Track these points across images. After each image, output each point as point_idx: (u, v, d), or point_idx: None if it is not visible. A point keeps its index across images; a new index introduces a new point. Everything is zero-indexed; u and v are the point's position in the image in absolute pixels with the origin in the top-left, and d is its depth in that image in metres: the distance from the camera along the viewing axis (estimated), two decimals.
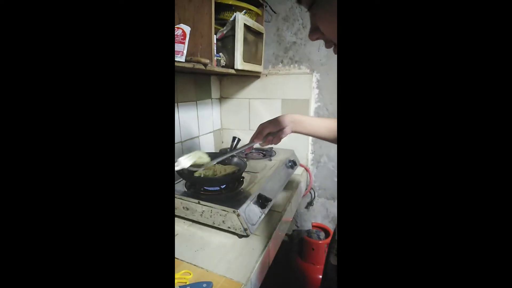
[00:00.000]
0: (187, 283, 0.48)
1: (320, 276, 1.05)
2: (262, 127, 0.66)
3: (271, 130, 0.65)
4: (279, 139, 0.66)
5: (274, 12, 1.05)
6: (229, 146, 0.89)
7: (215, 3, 0.72)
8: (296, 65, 1.08)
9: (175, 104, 0.94)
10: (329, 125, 0.64)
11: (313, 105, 1.09)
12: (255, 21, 0.91)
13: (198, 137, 1.09)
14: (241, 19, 0.79)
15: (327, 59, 1.02)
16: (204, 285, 0.47)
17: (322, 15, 0.31)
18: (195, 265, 0.54)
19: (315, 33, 0.34)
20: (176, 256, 0.56)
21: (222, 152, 0.89)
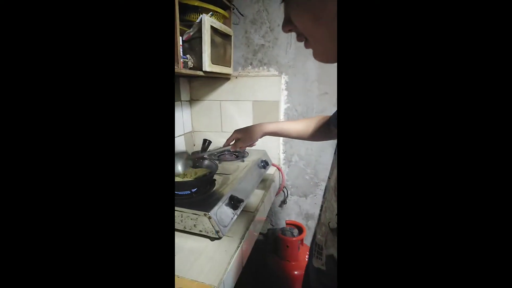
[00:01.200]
0: None
1: (296, 272, 1.08)
2: (236, 136, 0.74)
3: (244, 143, 0.74)
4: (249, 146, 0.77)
5: (242, 15, 1.06)
6: (199, 148, 0.88)
7: (181, 4, 0.71)
8: (265, 67, 1.10)
9: None
10: (297, 127, 0.71)
11: (282, 106, 1.12)
12: (222, 23, 0.92)
13: None
14: (207, 21, 0.79)
15: (294, 62, 1.05)
16: None
17: (295, 8, 0.32)
18: None
19: (287, 25, 0.34)
20: None
21: (195, 154, 0.88)
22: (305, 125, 0.70)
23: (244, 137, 0.72)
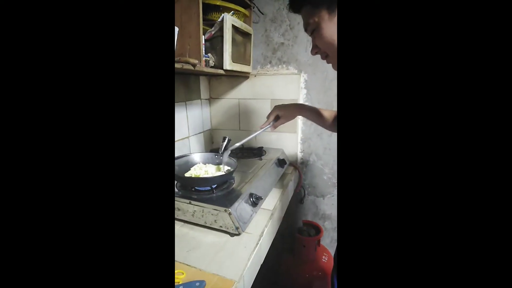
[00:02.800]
0: (180, 283, 0.48)
1: (312, 273, 1.07)
2: (277, 112, 0.77)
3: (285, 119, 0.77)
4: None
5: (262, 13, 1.06)
6: (219, 146, 0.89)
7: (203, 3, 0.72)
8: (284, 65, 1.10)
9: None
10: (325, 114, 0.78)
11: None
12: (243, 22, 0.92)
13: (188, 137, 1.09)
14: (229, 20, 0.80)
15: (313, 60, 1.04)
16: (197, 283, 0.47)
17: (320, 38, 0.49)
18: (187, 264, 0.54)
19: (314, 49, 0.53)
20: None
21: (213, 152, 0.89)
22: (329, 114, 0.77)
23: (285, 114, 0.75)
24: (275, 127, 0.77)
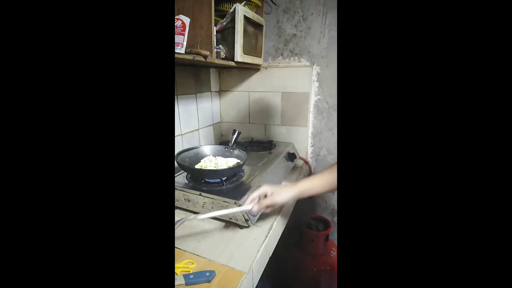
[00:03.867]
0: (190, 272, 0.49)
1: (320, 267, 1.07)
2: (264, 191, 0.62)
3: (271, 202, 0.61)
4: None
5: (274, 4, 1.04)
6: (229, 139, 0.89)
7: None
8: (296, 57, 1.08)
9: (175, 97, 0.93)
10: (321, 182, 0.64)
11: (313, 98, 1.09)
12: (255, 12, 0.91)
13: (198, 130, 1.09)
14: (241, 11, 0.79)
15: (327, 52, 1.01)
16: (207, 273, 0.48)
17: None
18: (197, 255, 0.54)
19: None
20: (179, 246, 0.57)
21: (223, 145, 0.89)
22: (329, 178, 0.62)
23: (275, 194, 0.61)
24: (260, 207, 0.60)
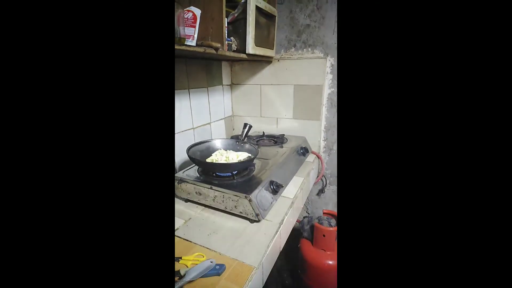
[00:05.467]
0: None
1: (331, 262, 1.06)
2: None
3: None
4: None
5: None
6: (240, 132, 0.89)
7: None
8: (310, 49, 1.04)
9: (187, 91, 0.93)
10: None
11: (326, 91, 1.06)
12: (267, 3, 0.88)
13: (209, 123, 1.10)
14: (252, 1, 0.76)
15: None
16: (217, 267, 0.48)
17: None
18: (208, 248, 0.55)
19: None
20: (189, 239, 0.58)
21: (234, 139, 0.89)
22: None
23: None
24: None
